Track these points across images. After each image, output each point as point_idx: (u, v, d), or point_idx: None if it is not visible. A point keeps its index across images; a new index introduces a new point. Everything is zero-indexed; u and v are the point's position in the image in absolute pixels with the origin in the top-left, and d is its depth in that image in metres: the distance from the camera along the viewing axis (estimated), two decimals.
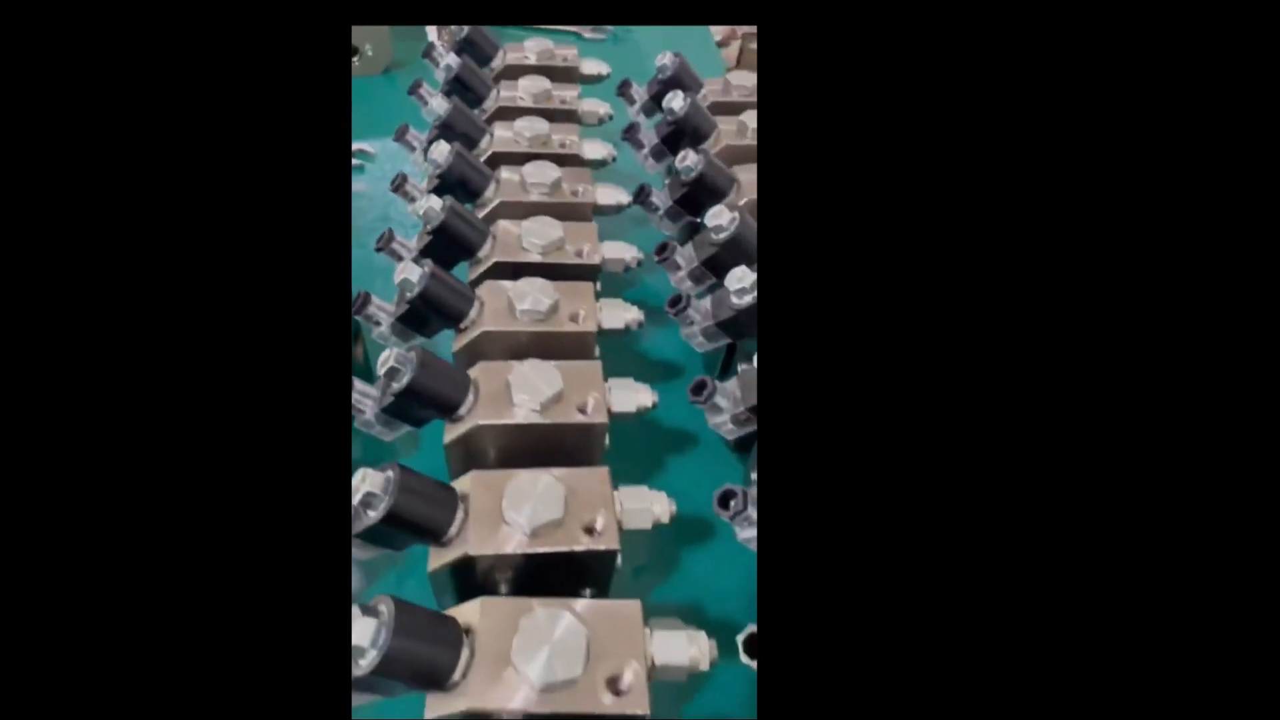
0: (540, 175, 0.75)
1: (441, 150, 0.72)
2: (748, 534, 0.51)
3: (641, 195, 0.80)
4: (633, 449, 0.63)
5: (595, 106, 0.92)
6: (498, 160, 0.80)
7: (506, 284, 0.64)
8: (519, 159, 0.79)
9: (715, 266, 0.68)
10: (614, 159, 0.87)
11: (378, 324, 0.64)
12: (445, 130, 0.79)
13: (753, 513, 0.49)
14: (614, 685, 0.41)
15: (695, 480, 0.58)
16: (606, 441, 0.58)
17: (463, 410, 0.56)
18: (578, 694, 0.40)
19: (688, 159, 0.76)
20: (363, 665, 0.38)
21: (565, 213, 0.73)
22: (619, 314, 0.66)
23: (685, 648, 0.43)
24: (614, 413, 0.58)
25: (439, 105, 0.80)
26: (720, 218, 0.67)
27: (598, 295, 0.67)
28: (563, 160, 0.80)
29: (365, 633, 0.38)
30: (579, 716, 0.40)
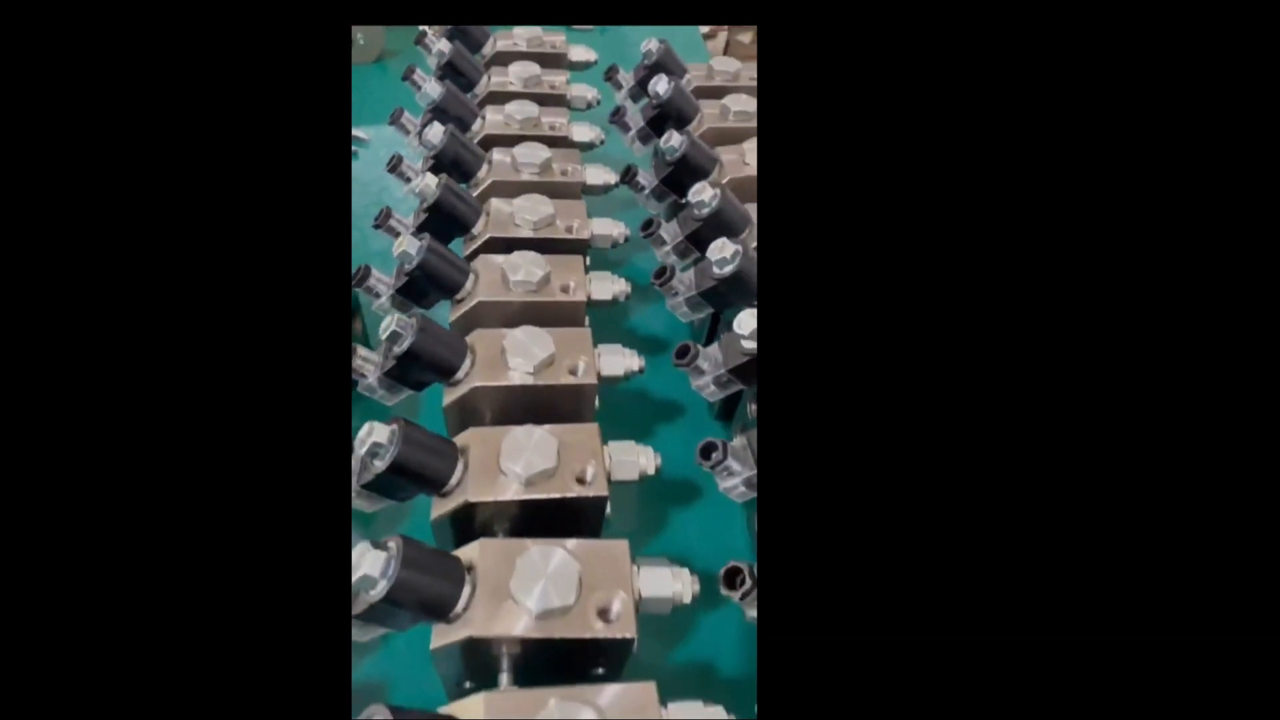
0: (531, 156, 0.78)
1: (436, 132, 0.75)
2: (728, 483, 0.55)
3: (628, 175, 0.83)
4: (622, 417, 0.66)
5: (583, 91, 0.96)
6: (490, 142, 0.83)
7: (500, 257, 0.67)
8: (510, 141, 0.82)
9: (698, 241, 0.71)
10: (602, 142, 0.90)
11: (377, 295, 0.67)
12: (439, 113, 0.82)
13: (732, 464, 0.53)
14: (604, 614, 0.45)
15: (682, 445, 0.60)
16: (596, 403, 0.62)
17: (460, 374, 0.59)
18: (571, 621, 0.44)
19: (672, 140, 0.79)
20: (373, 595, 0.42)
21: (555, 191, 0.77)
22: (607, 286, 0.70)
23: (669, 582, 0.47)
24: (603, 376, 0.61)
25: (432, 89, 0.83)
26: (703, 193, 0.70)
27: (587, 269, 0.71)
28: (553, 142, 0.83)
29: (376, 564, 0.41)
30: (572, 640, 0.43)
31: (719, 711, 0.42)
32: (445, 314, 0.69)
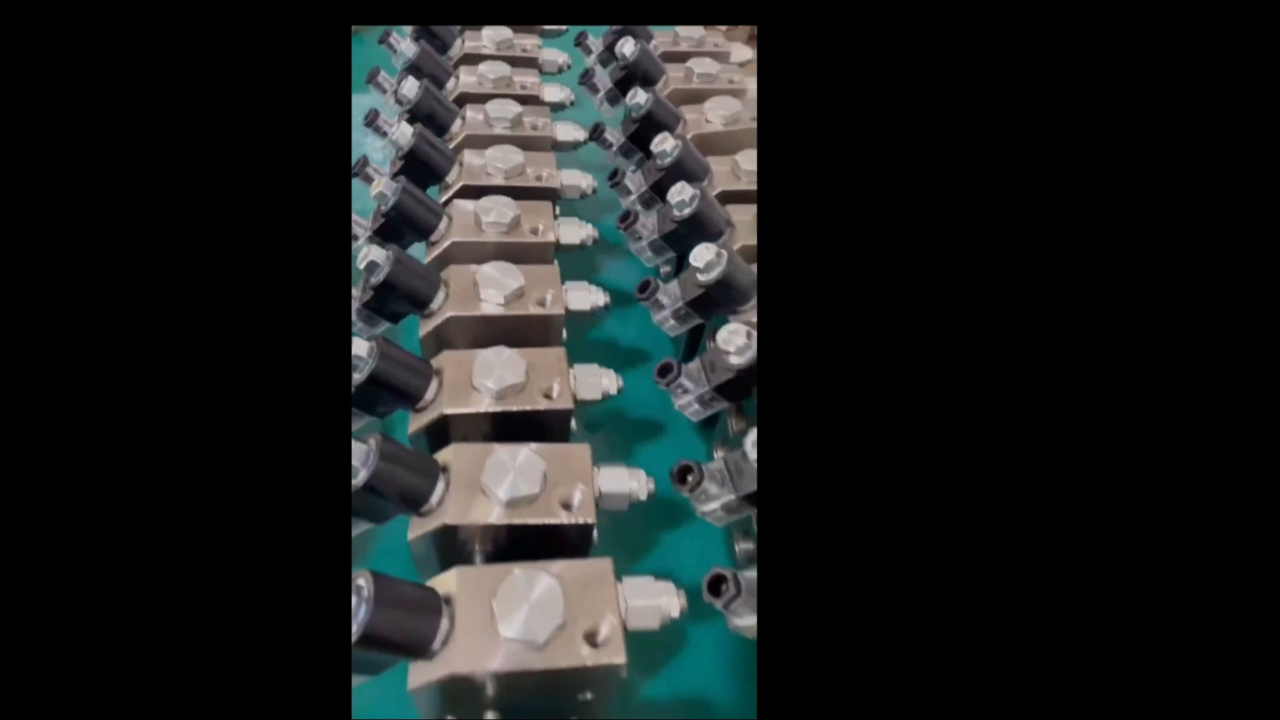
0: (502, 111, 0.82)
1: (411, 86, 0.79)
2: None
3: (596, 132, 0.87)
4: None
5: (554, 55, 0.99)
6: (464, 100, 0.87)
7: (472, 202, 0.71)
8: (483, 99, 0.85)
9: (661, 189, 0.75)
10: (572, 103, 0.94)
11: (355, 239, 0.71)
12: (414, 70, 0.86)
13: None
14: (566, 504, 0.49)
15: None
16: (564, 334, 0.66)
17: (435, 305, 0.63)
18: (536, 509, 0.48)
19: (638, 97, 0.83)
20: (354, 482, 0.45)
21: (526, 145, 0.80)
22: (575, 230, 0.74)
23: (626, 480, 0.51)
24: (570, 310, 0.65)
25: (408, 48, 0.86)
26: (665, 144, 0.74)
27: (556, 216, 0.75)
28: (524, 100, 0.87)
29: (357, 455, 0.45)
30: (537, 526, 0.48)
31: (668, 586, 0.46)
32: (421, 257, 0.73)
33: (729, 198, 0.79)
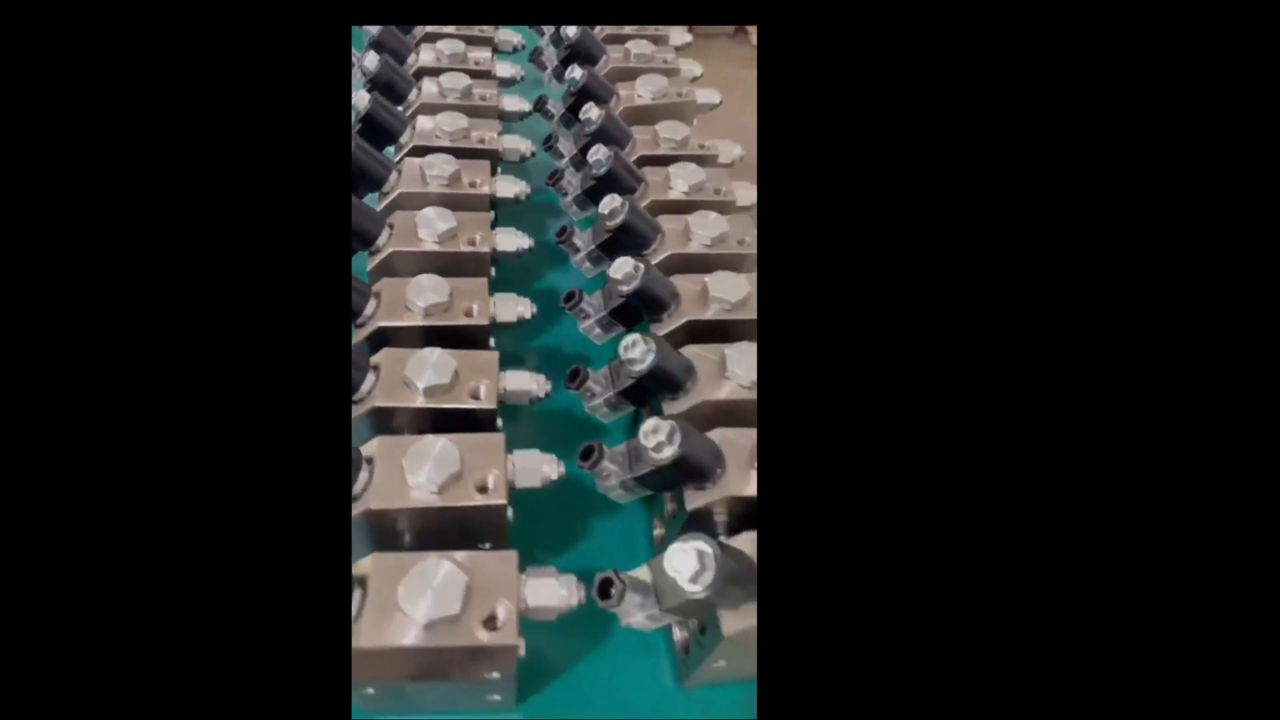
0: (453, 82, 0.93)
1: (372, 59, 0.90)
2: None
3: (540, 104, 0.99)
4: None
5: (510, 36, 1.11)
6: (422, 73, 0.98)
7: (419, 159, 0.83)
8: (439, 72, 0.97)
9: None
10: (522, 78, 1.05)
11: None
12: (377, 46, 0.97)
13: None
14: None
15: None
16: (492, 271, 0.77)
17: (380, 242, 0.75)
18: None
19: (575, 72, 0.95)
20: None
21: (474, 113, 0.92)
22: (510, 186, 0.85)
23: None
24: (497, 250, 0.77)
25: (372, 27, 0.98)
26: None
27: (496, 174, 0.86)
28: (476, 74, 0.98)
29: None
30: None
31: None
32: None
33: (647, 161, 0.90)
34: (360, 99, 0.84)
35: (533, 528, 0.73)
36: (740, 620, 0.53)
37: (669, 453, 0.57)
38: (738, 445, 0.62)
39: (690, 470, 0.59)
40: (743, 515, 0.62)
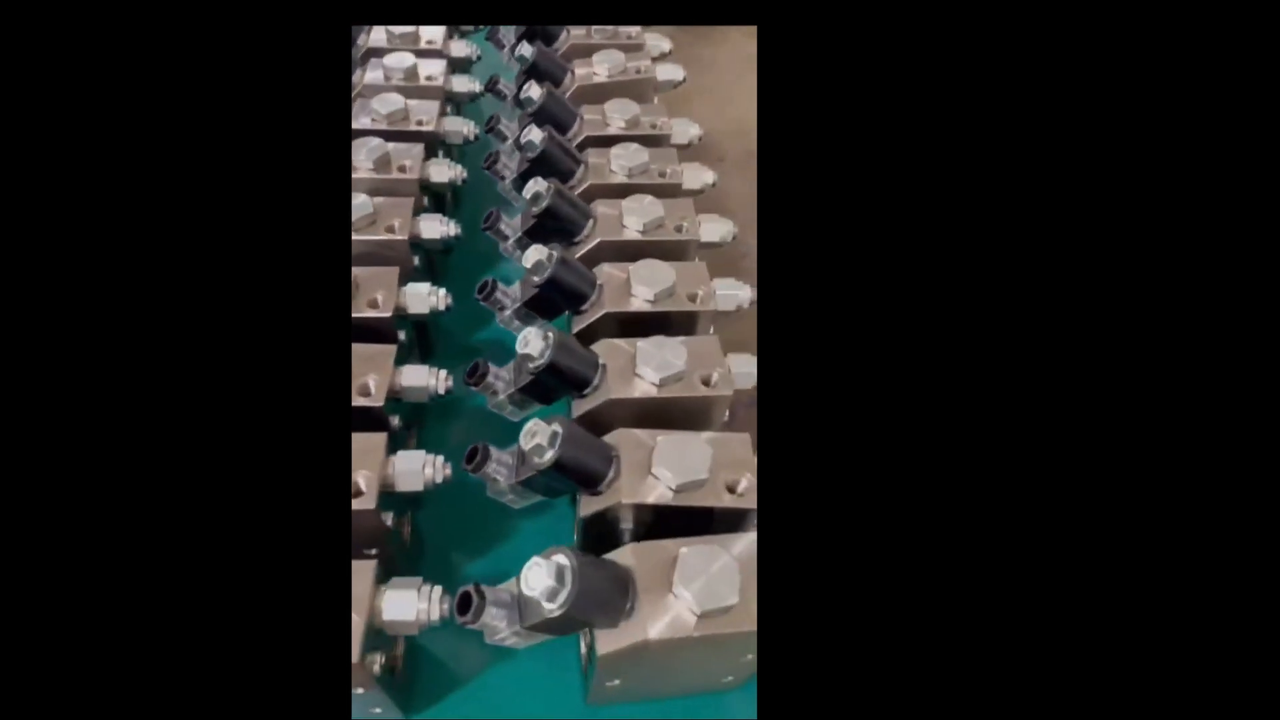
0: (397, 62, 0.90)
1: None
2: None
3: (491, 85, 0.95)
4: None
5: None
6: (369, 55, 0.96)
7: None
8: (385, 53, 0.94)
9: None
10: (479, 58, 1.01)
11: None
12: None
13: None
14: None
15: None
16: (416, 261, 0.74)
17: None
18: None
19: (524, 49, 0.91)
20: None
21: (417, 94, 0.89)
22: (444, 171, 0.82)
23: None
24: (419, 236, 0.74)
25: None
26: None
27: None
28: (423, 54, 0.95)
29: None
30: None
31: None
32: None
33: (593, 142, 0.86)
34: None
35: (455, 529, 0.71)
36: (616, 640, 0.49)
37: (549, 457, 0.53)
38: (641, 447, 0.57)
39: (576, 475, 0.55)
40: (645, 522, 0.58)
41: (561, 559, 0.46)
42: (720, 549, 0.50)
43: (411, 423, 0.71)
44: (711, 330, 0.72)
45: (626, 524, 0.59)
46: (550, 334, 0.59)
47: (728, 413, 0.65)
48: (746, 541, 0.52)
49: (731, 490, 0.56)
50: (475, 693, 0.62)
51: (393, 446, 0.58)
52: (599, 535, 0.59)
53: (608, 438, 0.59)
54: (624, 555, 0.51)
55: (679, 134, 0.91)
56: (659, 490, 0.55)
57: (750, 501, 0.56)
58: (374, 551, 0.58)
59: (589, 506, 0.56)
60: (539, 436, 0.53)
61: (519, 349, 0.59)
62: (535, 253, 0.65)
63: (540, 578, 0.46)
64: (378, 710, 0.56)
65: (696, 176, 0.85)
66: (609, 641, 0.49)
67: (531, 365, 0.59)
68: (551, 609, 0.46)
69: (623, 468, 0.56)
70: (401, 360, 0.65)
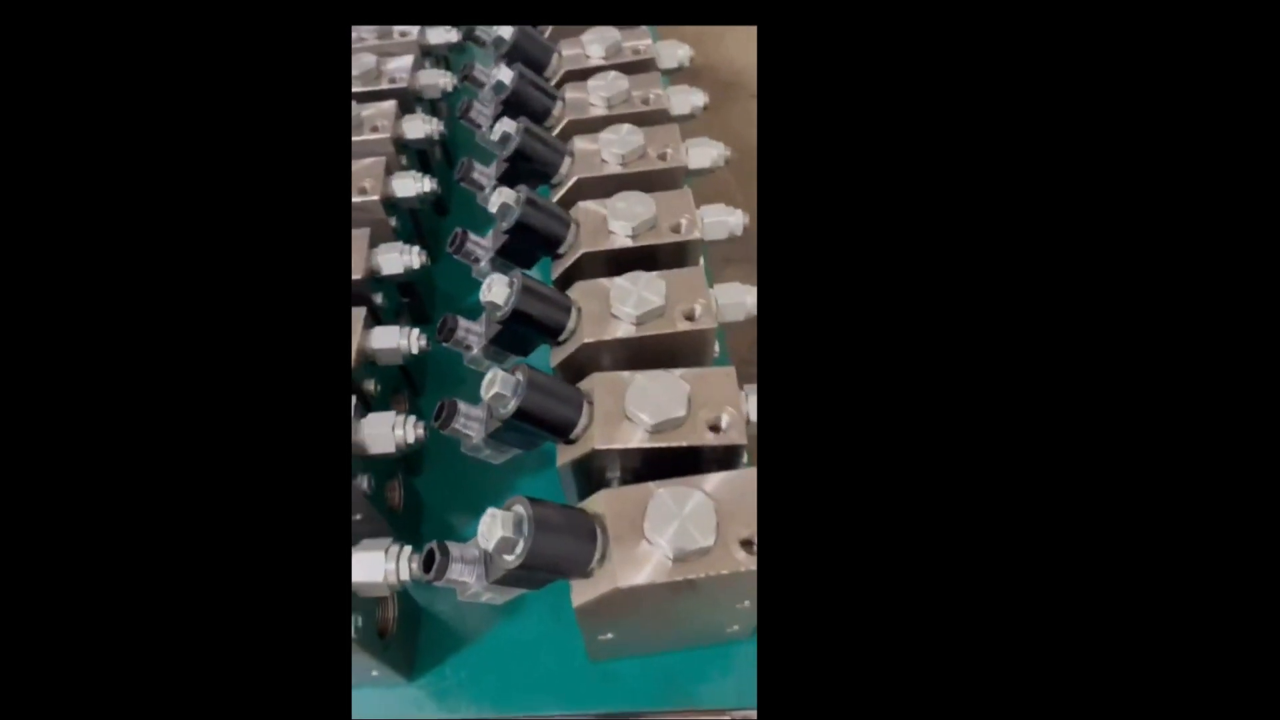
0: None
1: None
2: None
3: (469, 34, 0.90)
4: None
5: None
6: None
7: None
8: None
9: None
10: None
11: None
12: None
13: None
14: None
15: None
16: (394, 222, 0.72)
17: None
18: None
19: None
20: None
21: (388, 52, 0.86)
22: (420, 126, 0.79)
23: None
24: None
25: None
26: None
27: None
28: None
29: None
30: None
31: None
32: None
33: (573, 76, 0.81)
34: None
35: (456, 490, 0.70)
36: (588, 590, 0.46)
37: (511, 406, 0.50)
38: (616, 389, 0.54)
39: (545, 424, 0.51)
40: (631, 468, 0.55)
41: (519, 509, 0.44)
42: (694, 489, 0.47)
43: (398, 388, 0.70)
44: (702, 261, 0.67)
45: (612, 471, 0.55)
46: (516, 279, 0.56)
47: (716, 348, 0.61)
48: (722, 479, 0.48)
49: (715, 429, 0.52)
50: (479, 653, 0.61)
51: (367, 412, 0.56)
52: (588, 485, 0.56)
53: (583, 383, 0.55)
54: (595, 502, 0.48)
55: (666, 57, 0.85)
56: (635, 433, 0.51)
57: (736, 437, 0.51)
58: (358, 517, 0.57)
59: (564, 455, 0.53)
60: (498, 385, 0.50)
61: (482, 298, 0.56)
62: (500, 196, 0.62)
63: (495, 529, 0.43)
64: (375, 674, 0.55)
65: (685, 100, 0.79)
66: (582, 592, 0.47)
67: (498, 315, 0.56)
68: (510, 560, 0.43)
69: (596, 412, 0.52)
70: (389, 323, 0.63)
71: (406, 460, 0.67)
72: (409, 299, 0.79)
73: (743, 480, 0.48)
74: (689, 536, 0.45)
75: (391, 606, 0.56)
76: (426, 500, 0.70)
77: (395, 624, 0.56)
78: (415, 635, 0.61)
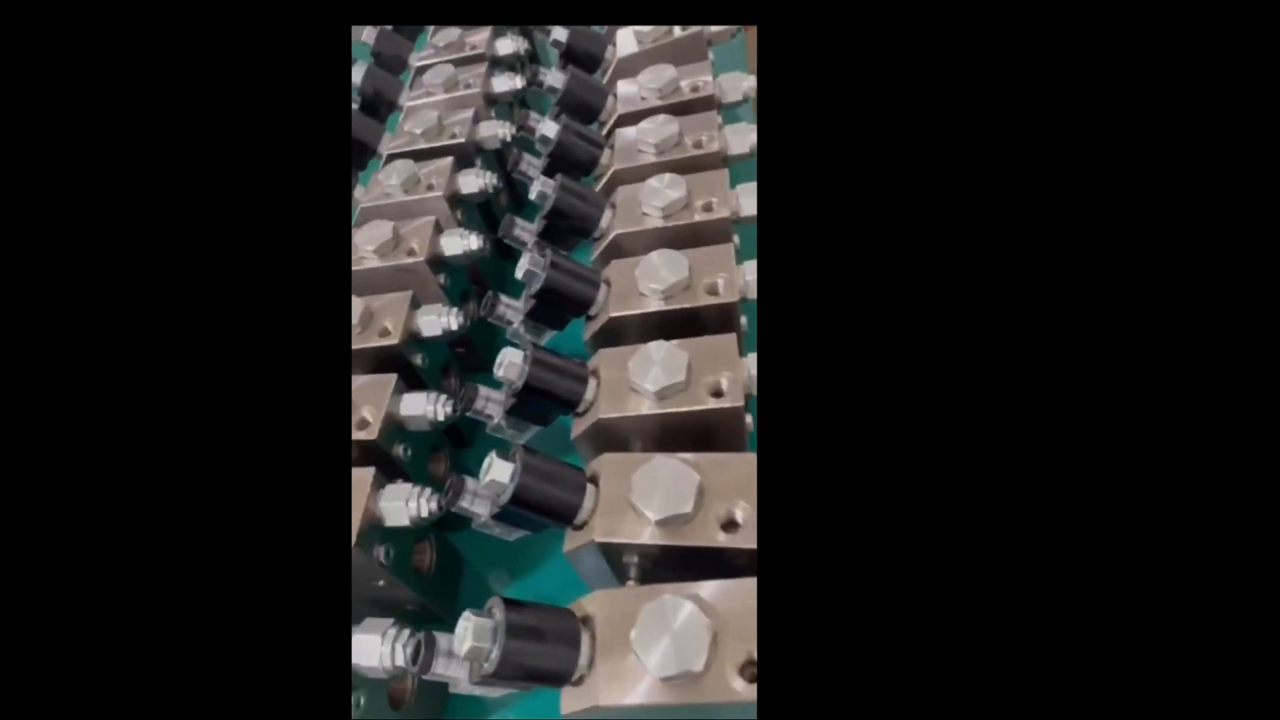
0: (437, 77, 0.89)
1: (358, 71, 0.90)
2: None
3: (533, 79, 0.90)
4: None
5: None
6: (419, 71, 0.96)
7: (379, 172, 0.80)
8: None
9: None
10: (526, 50, 0.98)
11: None
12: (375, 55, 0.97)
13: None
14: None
15: None
16: (443, 279, 0.73)
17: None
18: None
19: (560, 33, 0.85)
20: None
21: (455, 105, 0.87)
22: (474, 181, 0.79)
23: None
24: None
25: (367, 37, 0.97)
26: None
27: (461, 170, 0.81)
28: (463, 63, 0.93)
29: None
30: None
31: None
32: None
33: (625, 120, 0.78)
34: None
35: (494, 546, 0.69)
36: (574, 701, 0.43)
37: (509, 493, 0.48)
38: (625, 474, 0.50)
39: (543, 510, 0.49)
40: (646, 559, 0.51)
41: (489, 617, 0.42)
42: (687, 601, 0.42)
43: (438, 445, 0.71)
44: (744, 323, 0.62)
45: (629, 558, 0.52)
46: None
47: (750, 420, 0.56)
48: (720, 589, 0.43)
49: (728, 527, 0.47)
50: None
51: (389, 479, 0.57)
52: (607, 564, 0.53)
53: (593, 463, 0.52)
54: (589, 603, 0.45)
55: (729, 90, 0.80)
56: (639, 527, 0.48)
57: (749, 540, 0.46)
58: (380, 583, 0.58)
59: (571, 541, 0.51)
60: (494, 471, 0.48)
61: (495, 372, 0.55)
62: (527, 260, 0.60)
63: (466, 638, 0.41)
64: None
65: (743, 140, 0.74)
66: (569, 702, 0.44)
67: (511, 387, 0.55)
68: (486, 667, 0.41)
69: (601, 499, 0.49)
70: (430, 383, 0.64)
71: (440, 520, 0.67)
72: (464, 349, 0.80)
73: (744, 591, 0.43)
74: (680, 657, 0.41)
75: (410, 677, 0.56)
76: (469, 557, 0.70)
77: (413, 694, 0.56)
78: (442, 701, 0.61)
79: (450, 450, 0.72)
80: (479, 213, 0.87)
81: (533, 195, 0.67)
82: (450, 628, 0.43)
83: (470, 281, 0.83)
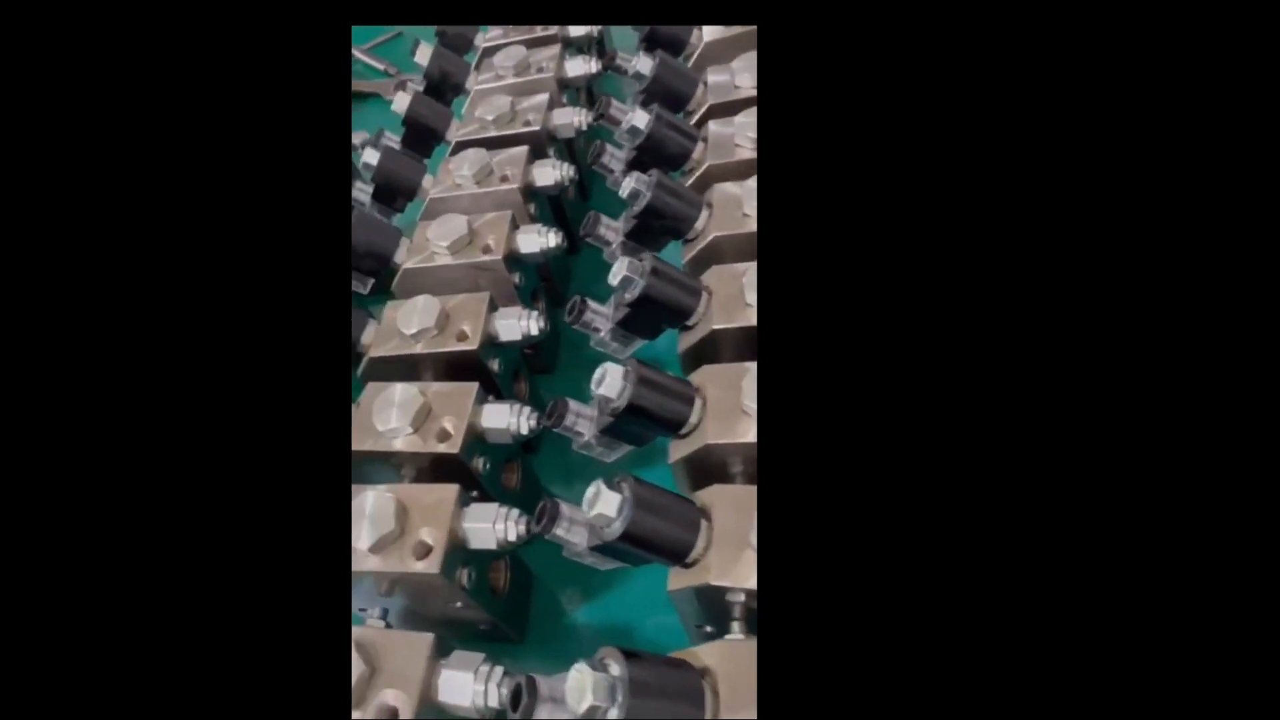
0: (507, 59, 0.84)
1: (423, 52, 0.85)
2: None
3: (610, 61, 0.85)
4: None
5: None
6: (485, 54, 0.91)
7: (451, 161, 0.76)
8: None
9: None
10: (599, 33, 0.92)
11: None
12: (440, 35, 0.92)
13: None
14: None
15: None
16: (518, 279, 0.68)
17: (397, 259, 0.70)
18: None
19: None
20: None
21: (526, 90, 0.83)
22: (549, 173, 0.74)
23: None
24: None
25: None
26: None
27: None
28: (534, 43, 0.88)
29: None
30: None
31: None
32: None
33: (718, 111, 0.72)
34: (401, 101, 0.79)
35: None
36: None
37: (615, 527, 0.43)
38: (739, 510, 0.45)
39: (652, 548, 0.44)
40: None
41: (604, 671, 0.37)
42: None
43: (512, 456, 0.66)
44: None
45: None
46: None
47: None
48: None
49: None
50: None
51: (473, 497, 0.53)
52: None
53: (704, 494, 0.48)
54: (704, 655, 0.41)
55: None
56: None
57: None
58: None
59: (678, 580, 0.46)
60: (601, 504, 0.43)
61: (592, 388, 0.50)
62: (622, 266, 0.55)
63: (585, 694, 0.37)
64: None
65: None
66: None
67: (610, 407, 0.50)
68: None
69: (714, 538, 0.45)
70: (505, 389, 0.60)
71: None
72: (532, 350, 0.76)
73: None
74: None
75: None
76: (536, 571, 0.66)
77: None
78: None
79: (522, 459, 0.67)
80: (549, 206, 0.82)
81: (623, 192, 0.62)
82: (521, 650, 0.44)
83: (540, 279, 0.78)
